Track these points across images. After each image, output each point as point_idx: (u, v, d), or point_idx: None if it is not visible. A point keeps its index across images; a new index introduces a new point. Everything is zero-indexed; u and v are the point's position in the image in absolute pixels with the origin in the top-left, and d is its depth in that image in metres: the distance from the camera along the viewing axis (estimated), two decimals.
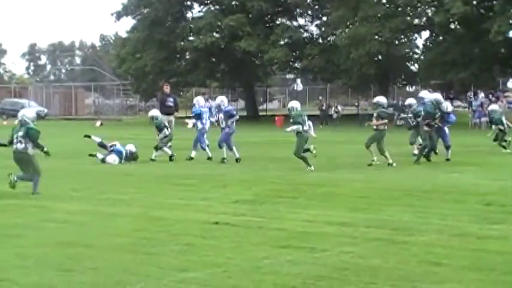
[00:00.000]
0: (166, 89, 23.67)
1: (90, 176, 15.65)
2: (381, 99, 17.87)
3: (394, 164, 16.55)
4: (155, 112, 20.21)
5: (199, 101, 20.06)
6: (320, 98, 53.82)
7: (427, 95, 19.19)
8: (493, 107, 22.24)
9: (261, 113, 59.56)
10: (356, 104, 56.53)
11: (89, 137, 19.75)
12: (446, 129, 18.07)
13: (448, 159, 17.69)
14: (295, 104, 16.88)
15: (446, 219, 9.46)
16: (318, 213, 10.17)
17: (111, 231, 8.99)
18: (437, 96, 18.86)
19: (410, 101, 19.57)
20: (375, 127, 17.06)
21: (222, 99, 19.08)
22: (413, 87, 56.14)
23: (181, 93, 60.91)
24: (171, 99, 22.41)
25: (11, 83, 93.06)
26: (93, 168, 17.27)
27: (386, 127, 17.16)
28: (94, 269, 7.08)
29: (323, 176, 14.68)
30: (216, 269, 7.04)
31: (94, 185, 13.78)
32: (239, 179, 14.41)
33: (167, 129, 19.00)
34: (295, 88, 64.11)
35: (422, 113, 17.71)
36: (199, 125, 19.27)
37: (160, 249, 7.91)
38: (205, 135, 19.49)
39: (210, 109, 20.36)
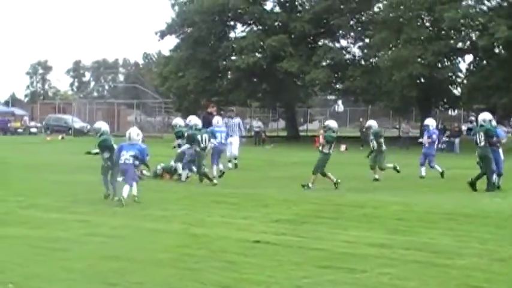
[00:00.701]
0: (212, 109, 23.73)
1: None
2: (331, 123, 17.74)
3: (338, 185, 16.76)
4: (178, 121, 20.48)
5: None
6: (361, 119, 53.68)
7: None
8: None
9: (301, 133, 59.61)
10: (397, 126, 56.26)
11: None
12: (501, 155, 17.40)
13: (498, 187, 16.81)
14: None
15: (486, 244, 9.42)
16: (357, 234, 10.20)
17: (154, 247, 9.13)
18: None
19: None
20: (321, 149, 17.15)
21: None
22: (456, 111, 55.72)
23: (222, 112, 61.30)
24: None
25: (55, 99, 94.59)
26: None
27: (331, 151, 17.23)
28: (138, 283, 7.23)
29: (363, 198, 14.69)
30: (256, 287, 7.13)
31: (136, 201, 13.95)
32: (280, 199, 14.48)
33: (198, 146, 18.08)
34: (336, 109, 64.10)
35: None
36: (214, 142, 19.06)
37: (202, 265, 8.03)
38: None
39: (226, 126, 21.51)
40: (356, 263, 8.17)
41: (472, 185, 16.33)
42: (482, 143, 16.60)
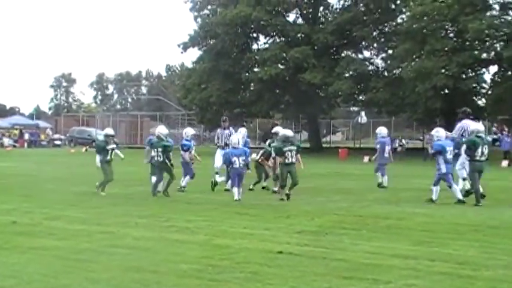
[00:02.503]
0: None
1: (154, 203, 15.92)
2: (287, 132, 17.81)
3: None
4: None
5: (187, 132, 20.06)
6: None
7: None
8: None
9: (324, 145, 59.51)
10: (421, 137, 55.98)
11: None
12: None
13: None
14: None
15: None
16: (381, 245, 10.15)
17: (177, 258, 9.14)
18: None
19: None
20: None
21: (186, 131, 20.02)
22: (480, 121, 55.33)
23: (245, 123, 61.41)
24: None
25: (79, 112, 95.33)
26: (157, 195, 17.54)
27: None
28: None
29: (387, 209, 14.62)
30: None
31: (159, 212, 14.01)
32: (302, 210, 14.47)
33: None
34: (359, 121, 63.81)
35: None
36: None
37: (225, 276, 8.02)
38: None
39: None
40: (380, 274, 8.12)
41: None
42: (485, 157, 16.21)
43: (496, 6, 43.83)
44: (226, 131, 20.78)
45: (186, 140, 19.49)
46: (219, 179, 19.55)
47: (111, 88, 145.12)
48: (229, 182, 17.79)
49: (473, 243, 10.36)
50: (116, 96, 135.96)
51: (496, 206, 15.74)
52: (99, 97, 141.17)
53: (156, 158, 17.76)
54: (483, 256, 9.26)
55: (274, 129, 18.86)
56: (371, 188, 19.46)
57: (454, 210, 14.61)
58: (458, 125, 17.77)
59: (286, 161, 16.68)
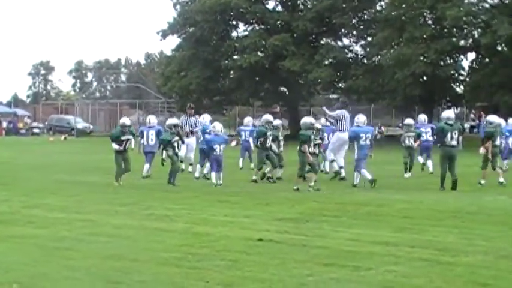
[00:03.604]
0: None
1: (134, 191, 15.85)
2: (312, 120, 17.68)
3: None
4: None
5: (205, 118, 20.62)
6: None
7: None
8: None
9: None
10: (400, 124, 56.19)
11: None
12: None
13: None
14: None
15: (492, 241, 9.40)
16: (361, 232, 10.18)
17: (157, 246, 9.11)
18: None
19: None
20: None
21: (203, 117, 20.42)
22: (459, 108, 55.66)
23: (225, 111, 61.31)
24: None
25: (57, 100, 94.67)
26: (137, 183, 17.48)
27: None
28: (141, 282, 7.22)
29: (367, 196, 14.67)
30: (260, 285, 7.11)
31: (139, 201, 13.96)
32: (283, 197, 14.48)
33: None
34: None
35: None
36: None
37: (205, 264, 8.01)
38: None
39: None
40: (360, 261, 8.14)
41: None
42: (455, 142, 16.53)
43: None
44: (192, 119, 20.69)
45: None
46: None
47: (90, 76, 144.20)
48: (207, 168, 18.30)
49: (453, 229, 10.43)
50: (94, 84, 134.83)
51: (474, 191, 15.86)
52: (78, 85, 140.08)
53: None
54: (462, 242, 9.32)
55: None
56: (351, 174, 19.49)
57: (433, 197, 14.69)
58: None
59: (311, 150, 16.44)
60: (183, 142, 17.92)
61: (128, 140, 17.49)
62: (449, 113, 17.51)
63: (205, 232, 10.19)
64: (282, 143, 18.76)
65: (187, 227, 10.68)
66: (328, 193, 15.30)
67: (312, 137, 16.47)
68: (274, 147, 18.27)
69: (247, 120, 23.09)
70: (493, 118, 18.31)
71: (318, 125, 17.34)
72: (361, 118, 17.50)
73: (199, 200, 14.27)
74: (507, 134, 20.25)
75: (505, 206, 13.08)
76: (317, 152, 16.82)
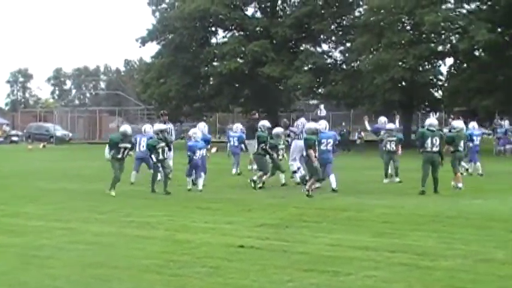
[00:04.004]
0: (254, 116, 25.16)
1: (114, 198, 15.80)
2: (316, 125, 17.54)
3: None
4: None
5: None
6: (343, 123, 53.75)
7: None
8: None
9: None
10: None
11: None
12: None
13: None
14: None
15: (470, 245, 9.47)
16: (341, 237, 10.23)
17: (138, 253, 9.10)
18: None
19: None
20: None
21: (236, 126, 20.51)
22: (437, 113, 55.98)
23: (205, 118, 61.27)
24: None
25: (36, 108, 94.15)
26: (117, 191, 17.37)
27: None
28: None
29: (346, 201, 14.72)
30: None
31: (119, 208, 13.93)
32: (263, 204, 14.50)
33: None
34: (319, 114, 64.08)
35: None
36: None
37: (186, 271, 8.01)
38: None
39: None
40: (340, 266, 8.18)
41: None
42: (436, 148, 16.77)
43: (451, 0, 44.37)
44: (167, 126, 20.21)
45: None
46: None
47: (68, 83, 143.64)
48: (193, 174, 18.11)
49: (432, 233, 10.49)
50: (74, 91, 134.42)
51: (453, 196, 15.95)
52: (57, 92, 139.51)
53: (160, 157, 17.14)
54: (441, 246, 9.38)
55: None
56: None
57: (413, 201, 14.76)
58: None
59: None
60: (169, 149, 17.79)
61: (126, 148, 17.04)
62: (432, 120, 17.73)
63: (186, 239, 10.19)
64: (281, 152, 18.77)
65: (168, 234, 10.67)
66: (308, 199, 15.33)
67: (316, 141, 16.41)
68: (274, 154, 18.40)
69: (236, 126, 23.66)
70: (457, 123, 18.54)
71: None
72: (322, 124, 17.70)
73: (180, 206, 14.26)
74: (474, 137, 20.95)
75: (483, 210, 13.17)
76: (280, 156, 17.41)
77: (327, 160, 16.92)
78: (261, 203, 14.67)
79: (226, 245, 9.62)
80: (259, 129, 18.82)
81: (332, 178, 16.94)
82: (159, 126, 18.04)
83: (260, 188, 17.69)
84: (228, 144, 23.14)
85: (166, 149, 17.28)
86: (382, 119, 21.66)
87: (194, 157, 17.30)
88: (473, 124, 22.54)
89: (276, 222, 11.84)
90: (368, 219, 12.16)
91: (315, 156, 16.07)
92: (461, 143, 18.17)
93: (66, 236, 10.55)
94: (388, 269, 8.07)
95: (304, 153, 16.59)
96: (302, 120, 20.18)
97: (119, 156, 16.86)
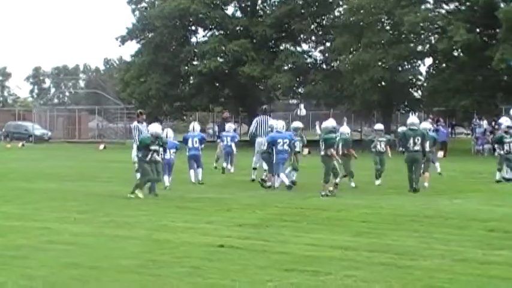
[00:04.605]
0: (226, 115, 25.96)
1: (94, 198, 15.70)
2: (334, 123, 17.68)
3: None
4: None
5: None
6: (317, 122, 53.72)
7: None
8: None
9: None
10: (359, 129, 56.59)
11: None
12: None
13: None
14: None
15: (449, 245, 9.51)
16: (321, 237, 10.23)
17: (116, 253, 9.04)
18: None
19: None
20: None
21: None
22: (417, 113, 56.26)
23: (185, 117, 61.13)
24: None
25: (15, 106, 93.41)
26: (96, 190, 17.32)
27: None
28: None
29: (326, 201, 14.74)
30: None
31: (98, 208, 13.84)
32: (243, 203, 14.49)
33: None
34: (299, 113, 64.10)
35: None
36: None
37: (166, 271, 7.97)
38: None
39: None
40: (320, 266, 8.18)
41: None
42: (418, 147, 16.98)
43: (431, 0, 44.60)
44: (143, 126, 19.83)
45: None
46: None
47: (48, 82, 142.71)
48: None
49: (411, 233, 10.53)
50: (53, 90, 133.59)
51: (432, 195, 16.05)
52: (36, 91, 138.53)
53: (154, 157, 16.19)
54: (421, 246, 9.41)
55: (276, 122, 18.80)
56: (311, 180, 19.55)
57: (392, 201, 14.81)
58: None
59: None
60: (164, 150, 16.86)
61: (155, 151, 16.18)
62: (413, 119, 17.86)
63: (166, 239, 10.14)
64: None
65: (148, 234, 10.61)
66: (288, 198, 15.33)
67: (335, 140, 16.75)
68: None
69: (229, 126, 23.93)
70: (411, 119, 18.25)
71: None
72: (279, 124, 18.18)
73: (159, 206, 14.20)
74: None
75: (461, 210, 13.24)
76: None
77: (282, 159, 17.42)
78: (241, 202, 14.66)
79: (206, 245, 9.58)
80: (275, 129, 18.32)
81: (283, 176, 17.37)
82: (156, 129, 16.75)
83: (269, 187, 17.63)
84: (222, 143, 23.17)
85: (160, 150, 16.39)
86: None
87: (166, 156, 17.23)
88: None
89: (256, 221, 11.82)
90: (348, 219, 12.19)
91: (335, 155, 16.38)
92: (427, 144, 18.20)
93: (44, 236, 10.46)
94: (368, 268, 8.08)
95: (322, 152, 16.51)
96: (259, 118, 20.55)
97: (148, 158, 16.08)
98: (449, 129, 50.55)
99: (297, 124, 19.48)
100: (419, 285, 7.31)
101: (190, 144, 19.46)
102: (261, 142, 19.03)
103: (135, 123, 19.34)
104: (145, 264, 8.34)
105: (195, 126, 20.18)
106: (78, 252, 9.16)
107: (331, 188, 16.03)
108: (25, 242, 9.92)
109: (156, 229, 11.08)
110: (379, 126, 20.50)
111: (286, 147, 17.50)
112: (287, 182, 17.23)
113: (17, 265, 8.36)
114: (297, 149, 18.57)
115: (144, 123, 19.07)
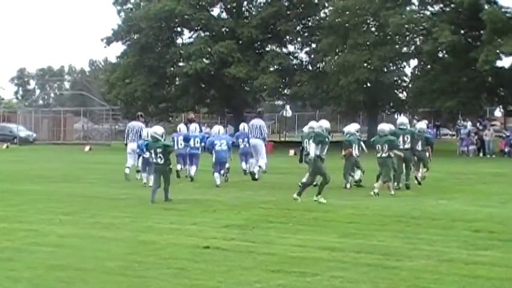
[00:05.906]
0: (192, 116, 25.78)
1: (79, 200, 15.63)
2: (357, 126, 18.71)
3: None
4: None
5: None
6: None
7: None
8: None
9: None
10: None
11: None
12: None
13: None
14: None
15: (434, 245, 9.54)
16: (308, 238, 10.23)
17: (102, 255, 9.01)
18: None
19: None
20: None
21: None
22: (402, 114, 56.48)
23: (171, 118, 60.99)
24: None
25: None
26: (82, 192, 17.26)
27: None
28: None
29: (312, 202, 14.72)
30: None
31: (83, 209, 13.79)
32: (229, 204, 14.46)
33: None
34: (285, 114, 64.35)
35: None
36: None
37: (152, 272, 7.95)
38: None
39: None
40: (307, 267, 8.18)
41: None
42: (408, 145, 17.66)
43: (416, 1, 44.84)
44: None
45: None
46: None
47: (32, 83, 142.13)
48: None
49: (398, 234, 10.55)
50: (38, 91, 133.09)
51: (418, 196, 16.08)
52: (21, 92, 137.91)
53: (155, 160, 15.71)
54: (407, 247, 9.43)
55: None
56: (296, 181, 19.58)
57: (378, 202, 14.83)
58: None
59: (354, 153, 18.18)
60: (169, 152, 15.95)
61: (158, 153, 15.52)
62: (402, 119, 18.73)
63: (151, 240, 10.12)
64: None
65: (133, 235, 10.58)
66: (274, 199, 15.33)
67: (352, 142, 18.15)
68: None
69: (194, 126, 23.08)
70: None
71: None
72: (215, 129, 20.50)
73: (144, 207, 14.17)
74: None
75: (447, 211, 13.29)
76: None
77: (220, 159, 18.91)
78: (226, 203, 14.63)
79: (192, 246, 9.56)
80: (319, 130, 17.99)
81: (217, 175, 18.73)
82: (158, 130, 16.24)
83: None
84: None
85: (165, 152, 15.64)
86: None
87: (144, 155, 17.95)
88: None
89: (242, 222, 11.81)
90: (334, 219, 12.19)
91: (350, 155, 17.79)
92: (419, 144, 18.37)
93: (29, 238, 10.41)
94: (355, 269, 8.09)
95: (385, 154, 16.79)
96: (254, 121, 21.63)
97: (153, 161, 15.80)
98: (434, 130, 50.75)
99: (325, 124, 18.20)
100: (405, 285, 7.33)
101: (191, 143, 21.23)
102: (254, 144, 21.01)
103: (141, 124, 21.08)
104: (131, 266, 8.31)
105: (196, 127, 21.98)
106: (63, 254, 9.12)
107: (376, 190, 16.25)
108: (10, 244, 9.87)
109: (141, 230, 11.05)
110: (355, 126, 19.85)
111: (224, 147, 19.03)
112: (218, 182, 18.67)
113: (1, 267, 8.32)
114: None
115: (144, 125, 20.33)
